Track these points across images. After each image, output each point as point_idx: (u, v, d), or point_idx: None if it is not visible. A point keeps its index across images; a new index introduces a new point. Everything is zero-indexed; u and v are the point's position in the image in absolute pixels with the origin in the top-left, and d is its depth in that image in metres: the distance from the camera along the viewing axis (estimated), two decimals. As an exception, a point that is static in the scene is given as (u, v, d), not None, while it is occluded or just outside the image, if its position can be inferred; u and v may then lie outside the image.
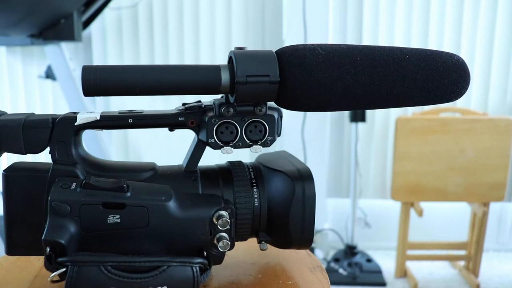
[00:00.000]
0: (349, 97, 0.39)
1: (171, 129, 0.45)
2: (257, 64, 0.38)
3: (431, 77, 0.39)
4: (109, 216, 0.39)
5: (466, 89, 0.41)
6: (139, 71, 0.38)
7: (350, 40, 2.02)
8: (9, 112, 0.44)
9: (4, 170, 0.43)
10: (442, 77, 0.39)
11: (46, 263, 0.38)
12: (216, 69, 0.38)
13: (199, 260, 0.41)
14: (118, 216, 0.39)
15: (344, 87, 0.38)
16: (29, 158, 0.45)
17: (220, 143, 0.42)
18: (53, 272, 0.39)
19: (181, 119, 0.43)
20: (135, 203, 0.40)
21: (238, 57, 0.38)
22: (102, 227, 0.39)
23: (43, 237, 0.38)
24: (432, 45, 1.99)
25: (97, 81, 0.37)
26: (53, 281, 0.40)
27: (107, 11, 1.94)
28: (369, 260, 1.96)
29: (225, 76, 0.38)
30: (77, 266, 0.38)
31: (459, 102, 2.01)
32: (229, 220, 0.42)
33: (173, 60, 2.04)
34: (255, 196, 0.44)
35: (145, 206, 0.40)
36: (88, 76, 0.37)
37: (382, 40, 2.00)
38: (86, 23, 1.75)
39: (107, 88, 0.37)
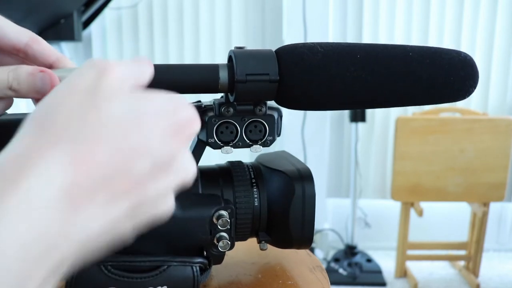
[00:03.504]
0: (350, 95, 0.38)
1: None
2: (256, 62, 0.38)
3: (436, 74, 0.38)
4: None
5: (475, 87, 0.39)
6: None
7: (350, 40, 2.02)
8: (9, 112, 0.44)
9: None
10: (448, 74, 0.38)
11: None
12: (214, 67, 0.38)
13: (199, 260, 0.41)
14: (118, 216, 0.39)
15: (343, 84, 0.38)
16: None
17: (220, 143, 0.42)
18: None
19: (181, 119, 0.43)
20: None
21: (237, 56, 0.38)
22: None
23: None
24: (432, 45, 1.99)
25: None
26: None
27: (107, 11, 1.94)
28: (369, 260, 1.96)
29: (223, 75, 0.38)
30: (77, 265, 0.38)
31: (459, 102, 2.01)
32: (229, 220, 0.42)
33: (173, 61, 2.04)
34: (255, 196, 0.44)
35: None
36: None
37: (383, 40, 2.00)
38: (86, 23, 1.75)
39: None
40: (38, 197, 0.20)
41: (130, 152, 0.25)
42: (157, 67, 0.38)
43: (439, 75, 0.38)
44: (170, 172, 0.27)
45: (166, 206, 0.28)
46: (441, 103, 0.40)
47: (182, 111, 0.28)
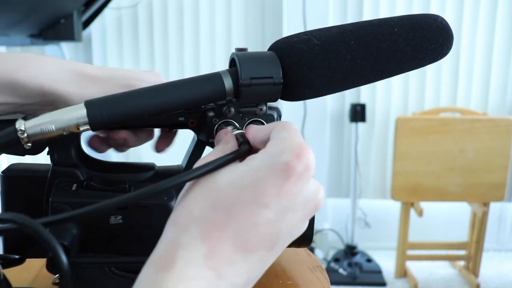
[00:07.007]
0: (348, 79, 0.40)
1: (171, 129, 0.45)
2: (260, 66, 0.38)
3: (420, 46, 0.41)
4: (111, 217, 0.39)
5: (450, 48, 0.43)
6: (143, 96, 0.36)
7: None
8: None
9: (2, 172, 0.43)
10: (429, 44, 0.41)
11: (48, 265, 0.38)
12: (217, 78, 0.38)
13: (200, 260, 0.41)
14: (120, 217, 0.39)
15: (343, 71, 0.39)
16: (28, 159, 0.45)
17: (220, 143, 0.42)
18: (55, 274, 0.39)
19: (181, 119, 0.43)
20: (137, 204, 0.40)
21: (241, 60, 0.38)
22: (104, 228, 0.39)
23: (44, 238, 0.38)
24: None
25: (104, 117, 0.35)
26: (56, 283, 0.40)
27: (107, 11, 1.94)
28: (369, 260, 1.96)
29: (228, 82, 0.38)
30: (80, 267, 0.38)
31: (459, 102, 2.01)
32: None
33: (173, 60, 2.04)
34: (256, 196, 0.44)
35: (147, 206, 0.40)
36: (94, 113, 0.35)
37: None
38: (86, 23, 1.75)
39: (115, 121, 0.36)
40: (189, 272, 0.26)
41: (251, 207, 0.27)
42: (161, 89, 0.37)
43: (423, 46, 0.41)
44: (297, 210, 0.28)
45: (300, 231, 0.30)
46: (422, 67, 0.43)
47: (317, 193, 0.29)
